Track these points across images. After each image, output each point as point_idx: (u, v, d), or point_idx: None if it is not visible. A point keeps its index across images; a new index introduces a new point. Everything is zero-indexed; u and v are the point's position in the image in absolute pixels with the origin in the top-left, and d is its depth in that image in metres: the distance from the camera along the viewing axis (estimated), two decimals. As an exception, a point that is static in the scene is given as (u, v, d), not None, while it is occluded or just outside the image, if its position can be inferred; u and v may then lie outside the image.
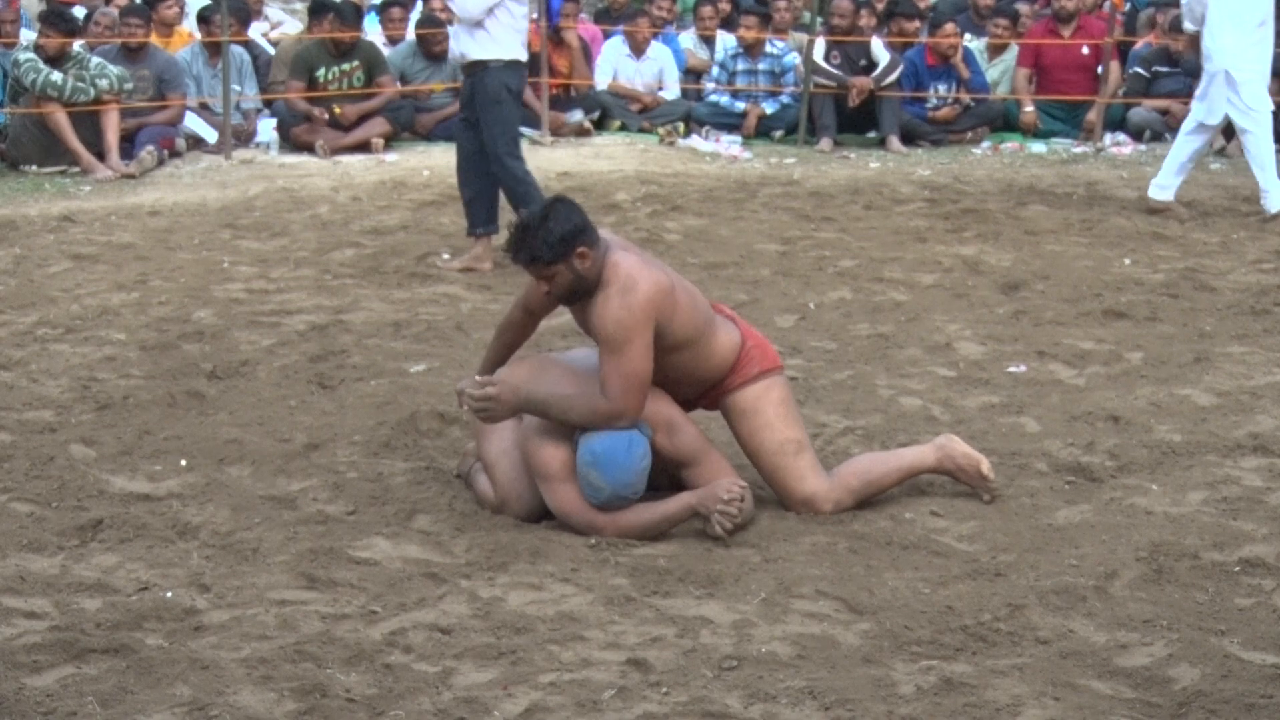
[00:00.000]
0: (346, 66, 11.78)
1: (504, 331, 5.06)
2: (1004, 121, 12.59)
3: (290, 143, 11.68)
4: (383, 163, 11.23)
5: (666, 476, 4.75)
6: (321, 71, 11.74)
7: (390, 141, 11.82)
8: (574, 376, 4.68)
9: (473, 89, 7.94)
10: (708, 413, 5.05)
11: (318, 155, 11.30)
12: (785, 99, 12.52)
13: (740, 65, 12.58)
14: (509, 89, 7.90)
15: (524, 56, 8.02)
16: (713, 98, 12.63)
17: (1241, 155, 11.49)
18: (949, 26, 12.37)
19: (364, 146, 11.56)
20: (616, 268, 4.63)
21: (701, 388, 4.86)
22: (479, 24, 7.82)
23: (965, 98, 12.35)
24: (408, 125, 12.00)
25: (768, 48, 12.60)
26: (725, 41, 12.98)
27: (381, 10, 13.04)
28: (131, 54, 11.32)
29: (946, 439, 4.99)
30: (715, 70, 12.73)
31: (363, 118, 11.67)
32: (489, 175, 8.02)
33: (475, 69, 7.91)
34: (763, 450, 4.83)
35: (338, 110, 11.61)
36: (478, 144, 7.98)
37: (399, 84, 12.12)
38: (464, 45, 7.97)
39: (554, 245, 4.59)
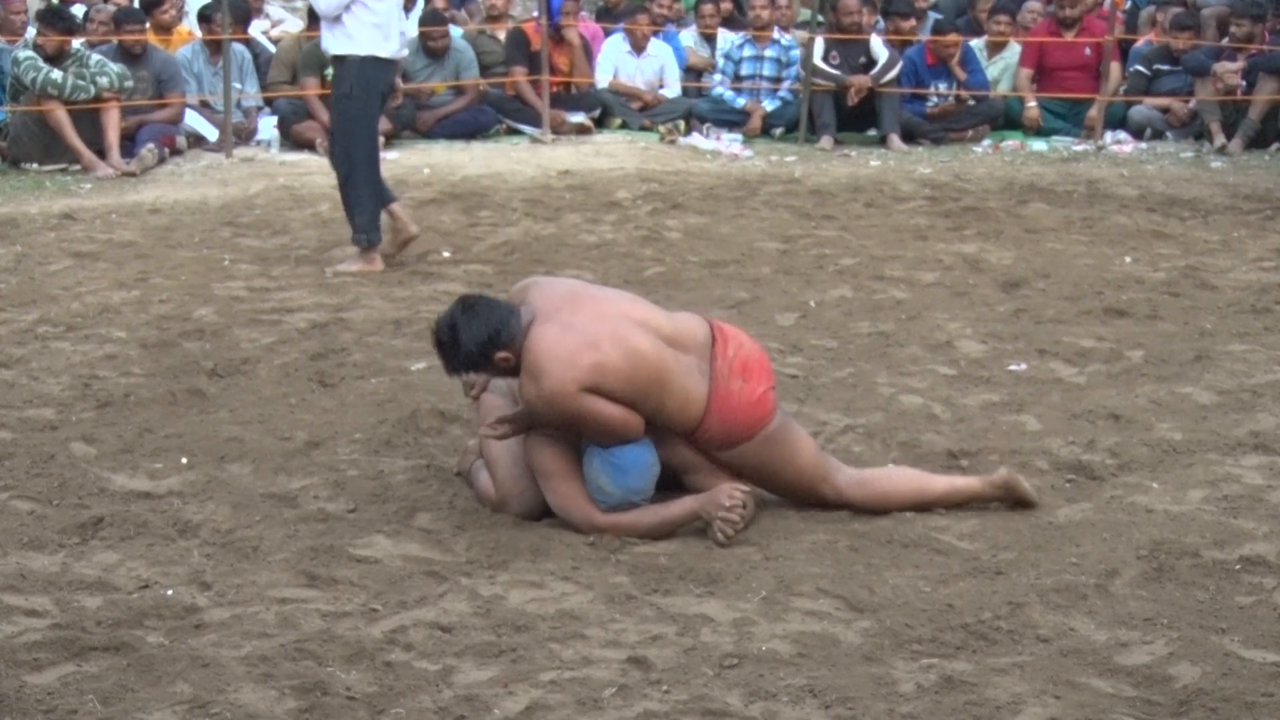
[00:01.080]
0: None
1: None
2: (1005, 119, 12.59)
3: (290, 140, 11.67)
4: (383, 160, 11.20)
5: (669, 477, 4.74)
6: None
7: (391, 140, 11.83)
8: None
9: (335, 84, 8.00)
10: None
11: (319, 153, 11.30)
12: (785, 95, 12.51)
13: (747, 51, 12.55)
14: (364, 84, 7.82)
15: (386, 53, 7.89)
16: (717, 91, 12.62)
17: (1242, 154, 11.53)
18: (953, 36, 12.36)
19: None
20: (531, 350, 4.46)
21: (666, 430, 4.69)
22: (337, 19, 7.77)
23: (965, 95, 12.34)
24: (409, 124, 12.00)
25: (775, 35, 12.59)
26: (729, 38, 12.97)
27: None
28: (129, 55, 11.31)
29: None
30: (721, 61, 12.72)
31: None
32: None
33: (337, 64, 7.94)
34: (782, 487, 4.79)
35: None
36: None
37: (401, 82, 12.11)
38: (326, 41, 7.97)
39: (472, 358, 4.53)
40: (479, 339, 4.49)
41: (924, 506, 4.79)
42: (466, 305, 4.57)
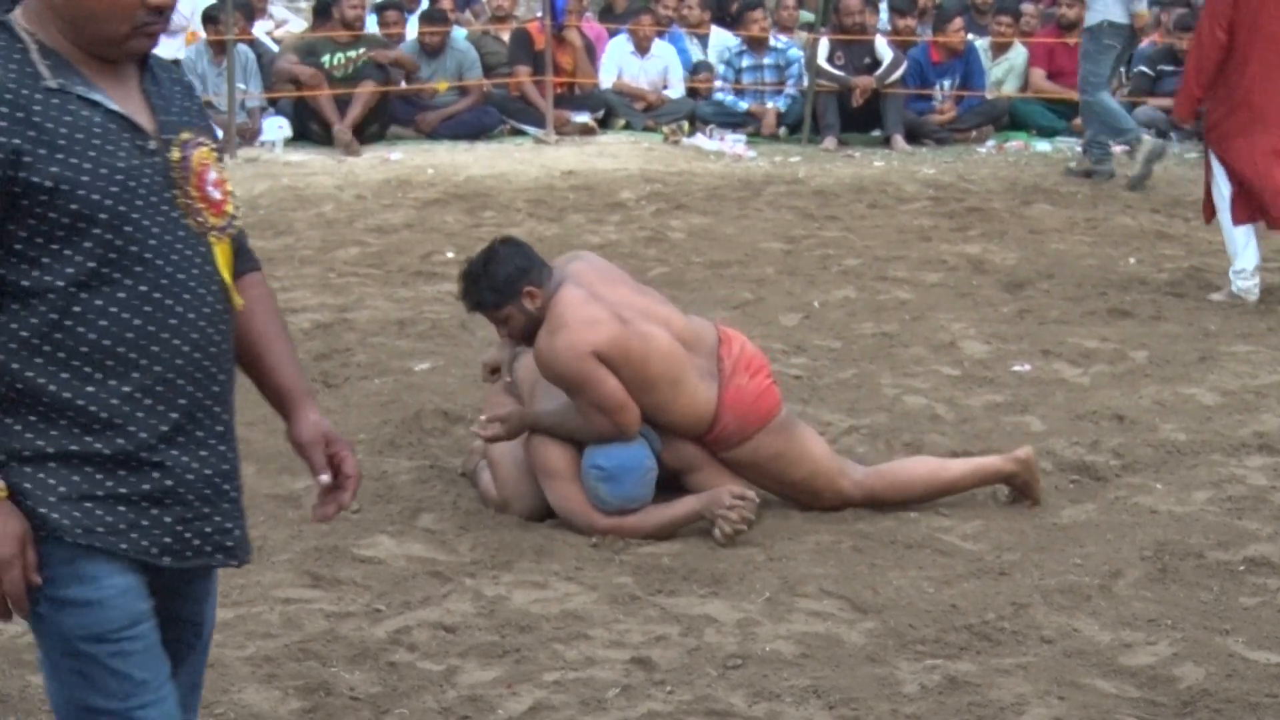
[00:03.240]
0: (352, 54, 11.78)
1: None
2: (1009, 120, 12.59)
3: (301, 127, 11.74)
4: (387, 161, 11.23)
5: (669, 478, 4.75)
6: (326, 57, 11.76)
7: (394, 140, 11.86)
8: None
9: None
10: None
11: (339, 153, 11.29)
12: (791, 93, 12.52)
13: (746, 62, 12.57)
14: None
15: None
16: (718, 95, 12.63)
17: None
18: (957, 21, 12.37)
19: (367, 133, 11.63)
20: (556, 304, 4.52)
21: (675, 433, 4.70)
22: None
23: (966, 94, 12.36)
24: (407, 122, 12.08)
25: (772, 42, 12.60)
26: (725, 40, 12.99)
27: (379, 12, 13.03)
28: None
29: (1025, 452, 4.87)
30: (721, 68, 12.73)
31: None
32: None
33: None
34: (801, 483, 4.78)
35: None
36: None
37: (403, 82, 12.14)
38: None
39: (499, 289, 4.54)
40: (510, 269, 4.54)
41: (945, 490, 4.82)
42: (507, 239, 4.65)
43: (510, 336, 4.70)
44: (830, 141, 12.02)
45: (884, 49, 12.20)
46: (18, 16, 2.33)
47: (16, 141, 2.24)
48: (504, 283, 4.55)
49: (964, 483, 4.84)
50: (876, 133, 12.30)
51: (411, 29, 12.70)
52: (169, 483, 2.36)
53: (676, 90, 12.74)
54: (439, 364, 6.34)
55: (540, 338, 4.53)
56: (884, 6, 13.24)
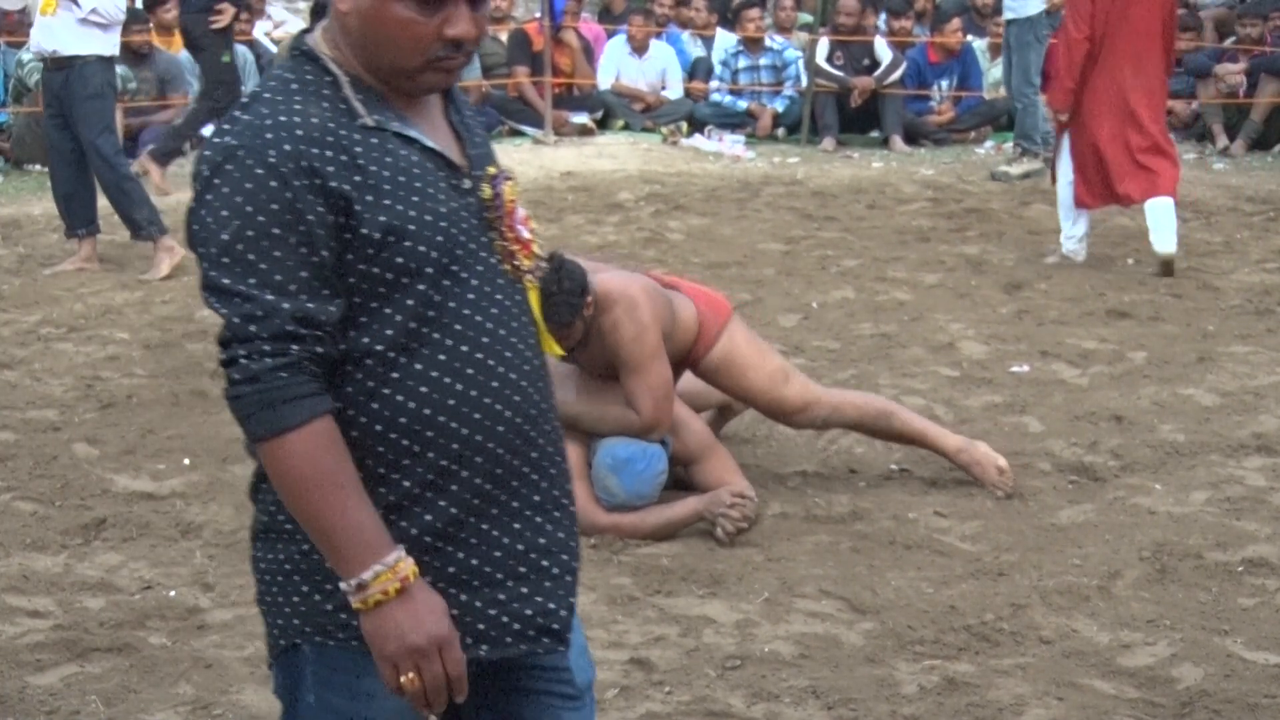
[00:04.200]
0: None
1: None
2: (1007, 121, 12.58)
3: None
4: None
5: (672, 472, 4.75)
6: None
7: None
8: (592, 384, 4.69)
9: (66, 85, 7.67)
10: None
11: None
12: (790, 94, 12.52)
13: (742, 62, 12.58)
14: (109, 84, 7.76)
15: (117, 51, 7.88)
16: (715, 96, 12.63)
17: (1245, 155, 11.53)
18: (955, 22, 12.37)
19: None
20: (608, 292, 4.61)
21: (676, 364, 4.80)
22: (84, 18, 7.57)
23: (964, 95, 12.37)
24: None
25: (768, 43, 12.60)
26: (726, 41, 12.99)
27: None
28: (133, 56, 11.31)
29: (974, 442, 5.04)
30: (718, 69, 12.74)
31: None
32: (86, 174, 7.86)
33: (67, 64, 7.65)
34: (754, 391, 4.87)
35: None
36: (73, 143, 7.77)
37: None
38: (59, 40, 7.63)
39: (573, 304, 4.55)
40: (578, 282, 4.57)
41: (886, 435, 5.02)
42: (559, 260, 4.69)
43: (573, 350, 4.65)
44: (829, 142, 12.02)
45: (883, 49, 12.20)
46: (318, 43, 2.08)
47: (347, 188, 1.97)
48: (576, 296, 4.54)
49: (908, 438, 5.02)
50: (875, 134, 12.31)
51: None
52: (474, 562, 2.08)
53: (675, 91, 12.74)
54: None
55: (619, 318, 4.56)
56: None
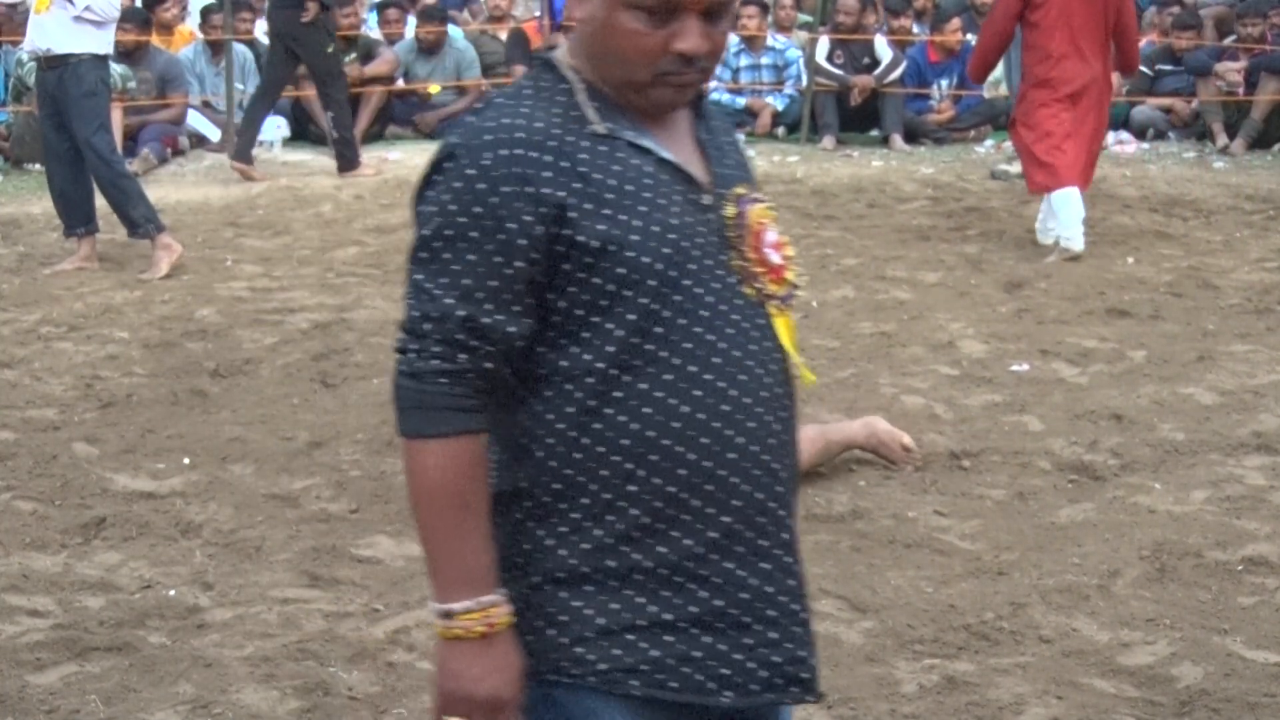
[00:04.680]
0: (350, 57, 11.80)
1: None
2: (1007, 120, 12.58)
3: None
4: (385, 161, 11.23)
5: None
6: None
7: (393, 140, 11.85)
8: None
9: (61, 84, 7.67)
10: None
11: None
12: (790, 92, 12.52)
13: (743, 61, 12.58)
14: (103, 82, 7.76)
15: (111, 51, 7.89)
16: (714, 95, 12.62)
17: (1245, 154, 11.53)
18: (954, 21, 12.38)
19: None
20: None
21: None
22: (78, 16, 7.56)
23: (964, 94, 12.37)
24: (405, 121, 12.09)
25: (769, 41, 12.60)
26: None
27: (380, 10, 13.05)
28: (131, 55, 11.31)
29: (873, 419, 5.21)
30: (718, 68, 12.73)
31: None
32: (82, 173, 7.86)
33: (61, 63, 7.65)
34: None
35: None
36: (69, 142, 7.78)
37: (401, 80, 12.14)
38: (52, 38, 7.63)
39: None
40: None
41: (824, 458, 5.07)
42: None
43: None
44: (829, 141, 12.02)
45: (883, 48, 12.20)
46: (563, 54, 2.05)
47: (562, 194, 1.91)
48: None
49: (829, 450, 5.08)
50: (875, 132, 12.30)
51: (409, 29, 12.70)
52: (719, 602, 1.97)
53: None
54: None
55: None
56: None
